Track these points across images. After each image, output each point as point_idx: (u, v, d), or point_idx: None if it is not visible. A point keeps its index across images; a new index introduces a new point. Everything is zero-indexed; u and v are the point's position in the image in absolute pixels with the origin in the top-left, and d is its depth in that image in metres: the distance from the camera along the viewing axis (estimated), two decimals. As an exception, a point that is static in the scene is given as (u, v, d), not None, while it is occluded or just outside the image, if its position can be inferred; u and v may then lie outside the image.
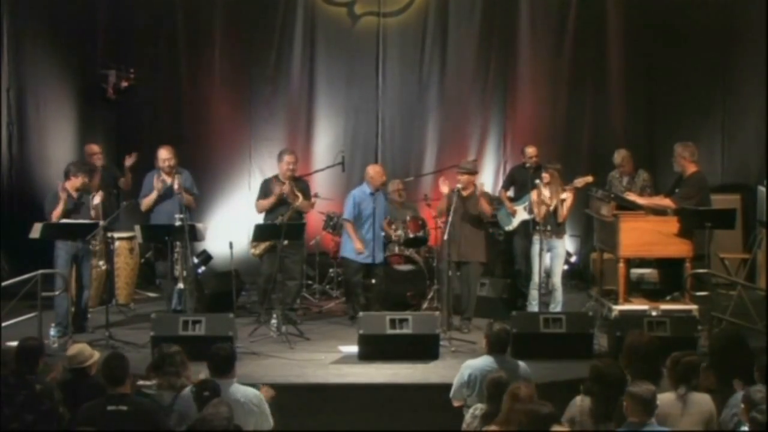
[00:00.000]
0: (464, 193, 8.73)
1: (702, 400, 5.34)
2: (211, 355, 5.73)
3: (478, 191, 8.89)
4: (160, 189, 8.91)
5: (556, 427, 4.85)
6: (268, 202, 9.01)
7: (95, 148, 9.97)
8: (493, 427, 4.99)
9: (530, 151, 9.89)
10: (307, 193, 9.22)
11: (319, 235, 10.41)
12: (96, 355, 5.96)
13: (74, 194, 8.56)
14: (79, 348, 5.94)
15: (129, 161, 9.94)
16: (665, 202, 8.72)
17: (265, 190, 9.12)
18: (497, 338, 6.15)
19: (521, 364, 6.19)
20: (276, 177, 9.17)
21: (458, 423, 5.93)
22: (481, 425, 5.34)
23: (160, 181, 8.93)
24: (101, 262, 9.22)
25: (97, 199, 8.61)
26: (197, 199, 9.34)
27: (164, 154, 9.01)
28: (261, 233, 8.73)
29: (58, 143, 10.82)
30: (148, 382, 5.84)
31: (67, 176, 8.57)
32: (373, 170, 9.28)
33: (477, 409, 5.54)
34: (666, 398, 5.31)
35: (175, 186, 8.88)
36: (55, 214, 8.44)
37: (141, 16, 11.19)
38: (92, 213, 8.58)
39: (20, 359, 5.72)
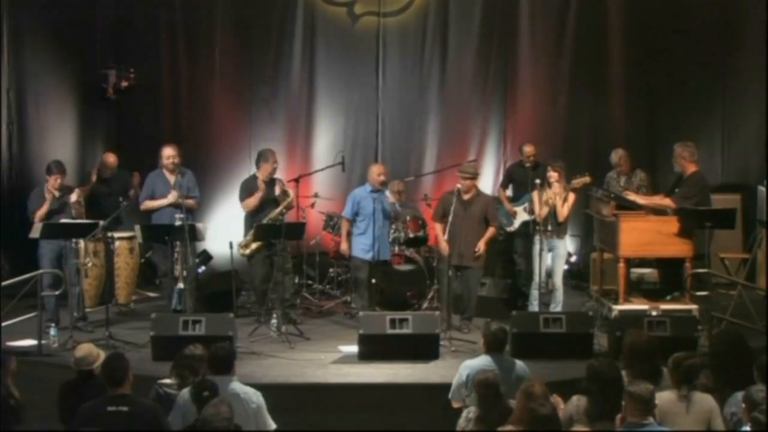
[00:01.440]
0: (465, 197, 8.71)
1: (704, 400, 5.34)
2: (211, 354, 5.74)
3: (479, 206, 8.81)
4: (175, 198, 8.86)
5: (578, 427, 4.85)
6: (255, 199, 8.95)
7: (111, 158, 9.97)
8: (509, 427, 4.96)
9: (528, 150, 9.88)
10: (287, 192, 9.27)
11: (319, 235, 10.41)
12: (102, 356, 5.96)
13: (56, 193, 8.61)
14: (86, 350, 5.93)
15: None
16: (665, 201, 8.72)
17: (249, 189, 9.07)
18: (494, 338, 6.16)
19: (519, 363, 6.19)
20: (254, 177, 9.15)
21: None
22: (474, 427, 5.33)
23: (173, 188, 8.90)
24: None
25: (73, 197, 8.61)
26: (199, 201, 9.34)
27: (168, 152, 9.00)
28: (262, 233, 8.72)
29: (58, 143, 10.81)
30: (167, 381, 5.86)
31: (49, 174, 8.67)
32: (370, 169, 9.30)
33: (470, 411, 5.52)
34: (668, 398, 5.32)
35: (175, 199, 8.82)
36: (39, 214, 8.49)
37: (141, 16, 11.21)
38: (73, 212, 8.60)
39: None
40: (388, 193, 9.24)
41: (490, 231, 8.80)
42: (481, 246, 8.67)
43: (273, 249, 8.81)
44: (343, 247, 9.23)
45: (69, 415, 5.47)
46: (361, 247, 9.05)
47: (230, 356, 5.79)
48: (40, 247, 8.53)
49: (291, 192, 9.24)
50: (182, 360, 5.83)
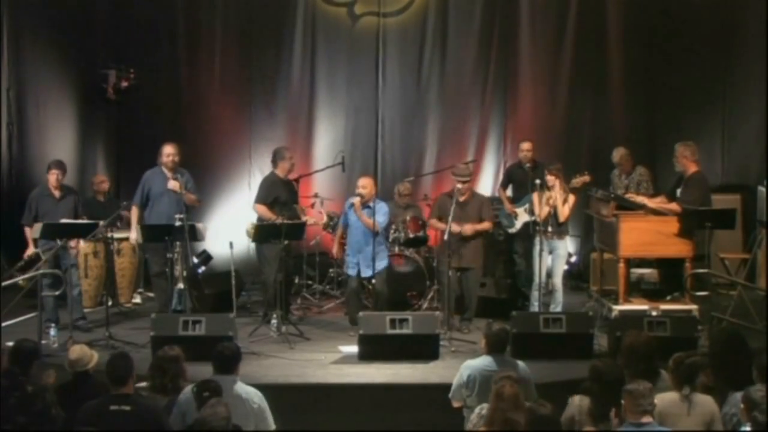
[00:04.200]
0: (461, 199, 8.70)
1: (705, 401, 5.33)
2: (217, 353, 5.75)
3: (474, 207, 8.81)
4: (177, 186, 8.84)
5: (587, 427, 4.85)
6: (269, 215, 8.82)
7: (101, 178, 10.04)
8: (482, 429, 4.99)
9: (525, 146, 9.89)
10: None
11: (319, 235, 10.42)
12: (96, 357, 5.96)
13: (55, 192, 8.63)
14: (79, 352, 5.90)
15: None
16: (671, 206, 8.67)
17: (268, 192, 8.97)
18: (496, 338, 6.15)
19: (520, 363, 6.19)
20: (274, 174, 9.12)
21: (458, 423, 5.94)
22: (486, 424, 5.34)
23: (174, 178, 8.85)
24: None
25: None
26: (199, 199, 9.33)
27: (169, 150, 8.96)
28: (262, 234, 8.70)
29: (58, 143, 10.82)
30: (143, 384, 5.84)
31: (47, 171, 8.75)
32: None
33: (483, 408, 5.52)
34: (669, 398, 5.32)
35: (176, 187, 8.82)
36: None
37: (141, 16, 11.20)
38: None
39: (14, 361, 5.69)
40: (381, 203, 8.96)
41: (485, 224, 8.83)
42: (467, 229, 8.66)
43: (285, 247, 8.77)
44: (334, 249, 9.43)
45: (67, 416, 5.46)
46: (347, 258, 8.99)
47: (235, 356, 5.78)
48: (39, 246, 8.58)
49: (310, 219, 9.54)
50: (154, 361, 5.84)
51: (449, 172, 10.29)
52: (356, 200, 8.75)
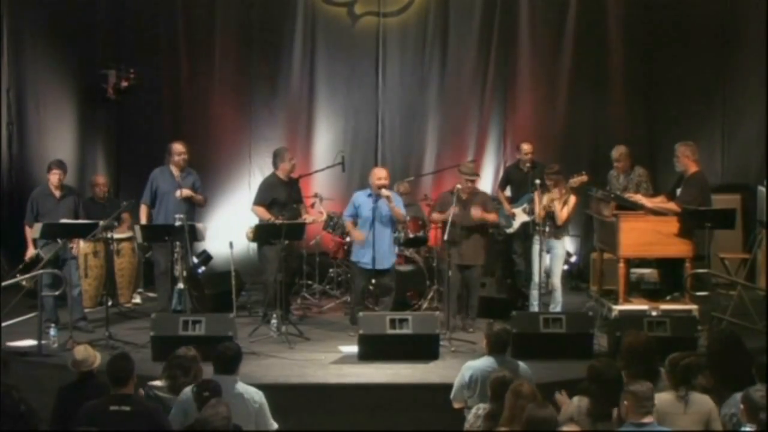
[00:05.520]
0: (463, 196, 8.70)
1: (702, 401, 5.34)
2: (218, 353, 5.75)
3: (478, 202, 8.76)
4: (189, 194, 8.90)
5: (567, 427, 4.85)
6: (266, 215, 8.78)
7: (100, 179, 10.02)
8: (502, 429, 4.98)
9: (525, 147, 9.88)
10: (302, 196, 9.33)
11: (319, 235, 10.42)
12: (99, 357, 5.95)
13: (56, 192, 8.63)
14: (84, 352, 5.89)
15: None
16: (669, 206, 8.67)
17: (272, 195, 8.91)
18: (498, 338, 6.15)
19: (521, 364, 6.19)
20: (275, 175, 9.10)
21: (458, 423, 5.94)
22: (484, 425, 5.34)
23: (180, 186, 8.89)
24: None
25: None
26: (206, 198, 9.37)
27: (180, 148, 8.97)
28: (261, 233, 8.70)
29: (58, 143, 10.82)
30: (158, 383, 5.85)
31: (48, 171, 8.74)
32: (372, 172, 9.03)
33: (480, 408, 5.54)
34: (666, 398, 5.32)
35: (188, 194, 8.87)
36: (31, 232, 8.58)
37: (141, 16, 11.21)
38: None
39: None
40: (395, 194, 9.00)
41: (492, 215, 8.80)
42: (475, 212, 8.58)
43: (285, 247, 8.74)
44: (356, 235, 8.84)
45: (69, 416, 5.46)
46: (359, 252, 8.88)
47: (237, 357, 5.79)
48: (38, 247, 8.58)
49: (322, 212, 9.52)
50: (174, 361, 5.82)
51: (449, 172, 10.33)
52: (389, 193, 8.68)
